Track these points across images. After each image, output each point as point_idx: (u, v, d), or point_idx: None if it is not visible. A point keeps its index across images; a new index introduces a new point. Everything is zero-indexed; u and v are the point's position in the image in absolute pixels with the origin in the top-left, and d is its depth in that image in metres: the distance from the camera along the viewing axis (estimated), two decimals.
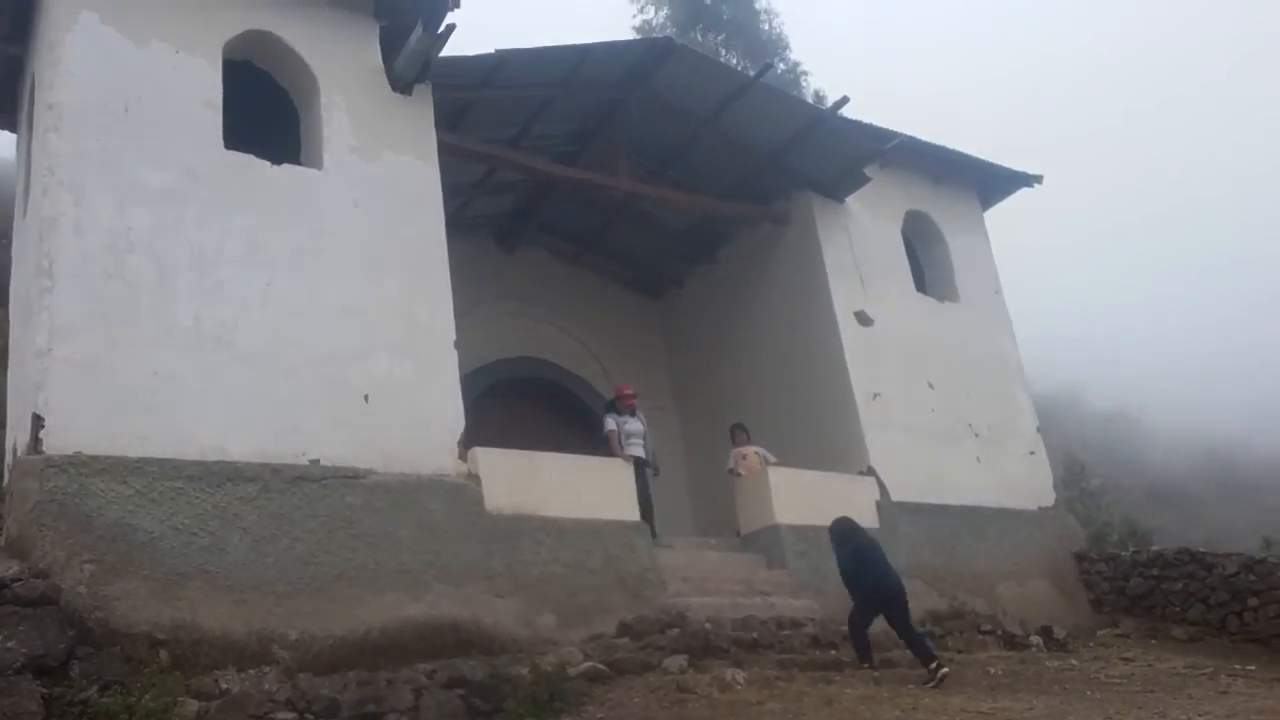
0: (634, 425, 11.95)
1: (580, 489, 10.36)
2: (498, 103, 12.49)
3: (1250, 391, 42.64)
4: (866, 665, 9.25)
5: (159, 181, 9.08)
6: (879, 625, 9.56)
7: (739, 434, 12.93)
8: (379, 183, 10.30)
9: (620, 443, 11.58)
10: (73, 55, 9.06)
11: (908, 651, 9.35)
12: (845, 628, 9.69)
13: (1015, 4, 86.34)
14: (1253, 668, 10.31)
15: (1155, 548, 14.15)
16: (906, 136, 14.05)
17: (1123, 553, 14.05)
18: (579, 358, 15.55)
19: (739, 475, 12.44)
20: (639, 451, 11.73)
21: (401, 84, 10.72)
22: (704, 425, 14.08)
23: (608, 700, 7.90)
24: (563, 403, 15.37)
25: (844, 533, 9.94)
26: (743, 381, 14.54)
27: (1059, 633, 11.79)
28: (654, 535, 11.21)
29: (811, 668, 8.90)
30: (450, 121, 11.72)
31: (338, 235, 9.88)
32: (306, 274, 9.56)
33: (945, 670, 8.79)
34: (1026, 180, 15.58)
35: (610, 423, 11.83)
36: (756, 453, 12.52)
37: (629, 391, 12.30)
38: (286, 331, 9.26)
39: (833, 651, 9.49)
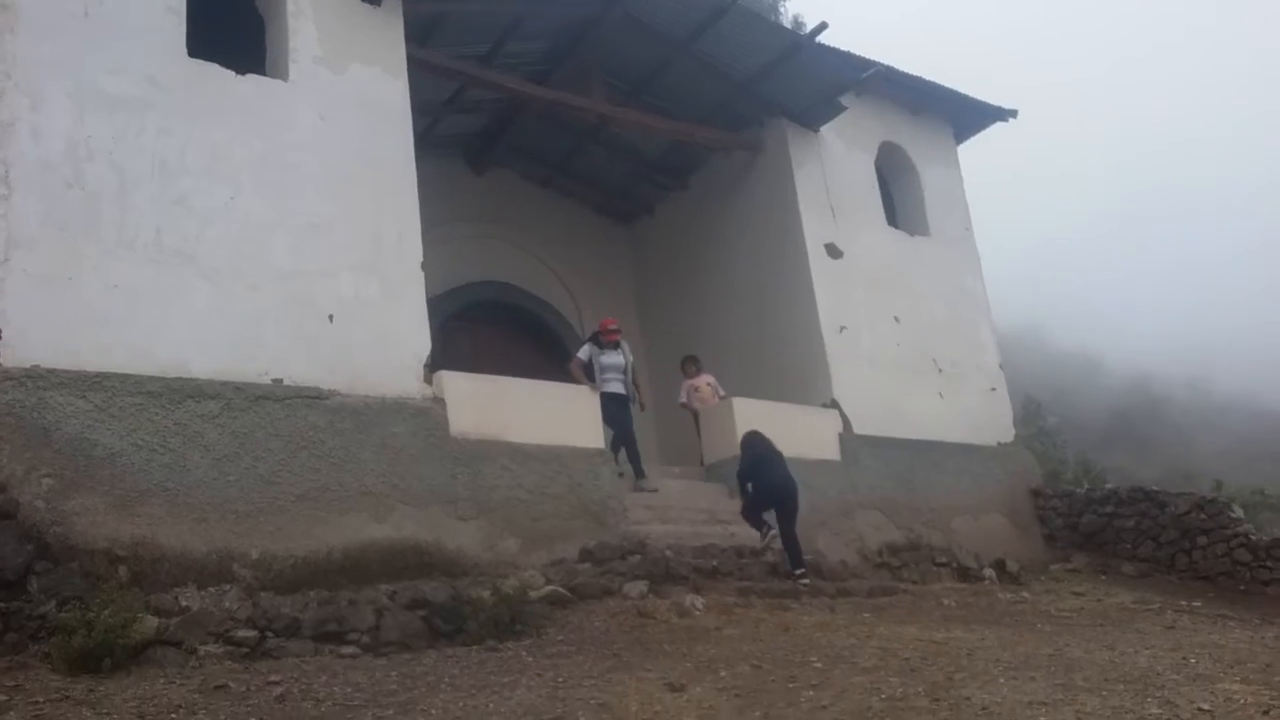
0: (613, 358, 11.66)
1: (545, 415, 10.35)
2: (469, 17, 12.21)
3: (1209, 335, 43.28)
4: (767, 529, 10.08)
5: (120, 88, 8.81)
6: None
7: (690, 365, 12.90)
8: (346, 96, 10.07)
9: (595, 376, 11.39)
10: None
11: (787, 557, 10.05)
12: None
13: None
14: (1199, 604, 10.61)
15: (1109, 485, 14.40)
16: (883, 65, 13.90)
17: (1077, 490, 14.32)
18: (547, 283, 15.48)
19: (692, 409, 12.43)
20: (617, 387, 11.51)
21: None
22: (671, 353, 14.07)
23: (568, 624, 8.00)
24: (530, 328, 15.33)
25: (749, 444, 10.53)
26: (710, 310, 14.53)
27: (1012, 566, 12.04)
28: (640, 475, 11.17)
29: (769, 595, 9.04)
30: (420, 36, 11.44)
31: (303, 149, 9.67)
32: (271, 188, 9.37)
33: (806, 582, 9.63)
34: (1001, 114, 15.50)
35: (582, 353, 11.69)
36: (709, 384, 12.54)
37: (613, 326, 11.93)
38: (250, 247, 9.10)
39: (791, 580, 9.62)
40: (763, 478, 10.25)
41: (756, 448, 10.47)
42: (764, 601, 8.83)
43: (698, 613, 8.29)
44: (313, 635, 7.32)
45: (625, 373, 11.69)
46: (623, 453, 11.39)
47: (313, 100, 9.87)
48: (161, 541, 7.81)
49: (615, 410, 11.31)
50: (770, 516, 10.16)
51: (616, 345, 11.78)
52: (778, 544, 10.04)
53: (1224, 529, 12.49)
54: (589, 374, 11.42)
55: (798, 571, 9.79)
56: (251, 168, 9.33)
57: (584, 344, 11.97)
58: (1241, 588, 11.93)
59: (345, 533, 8.64)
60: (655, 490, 11.18)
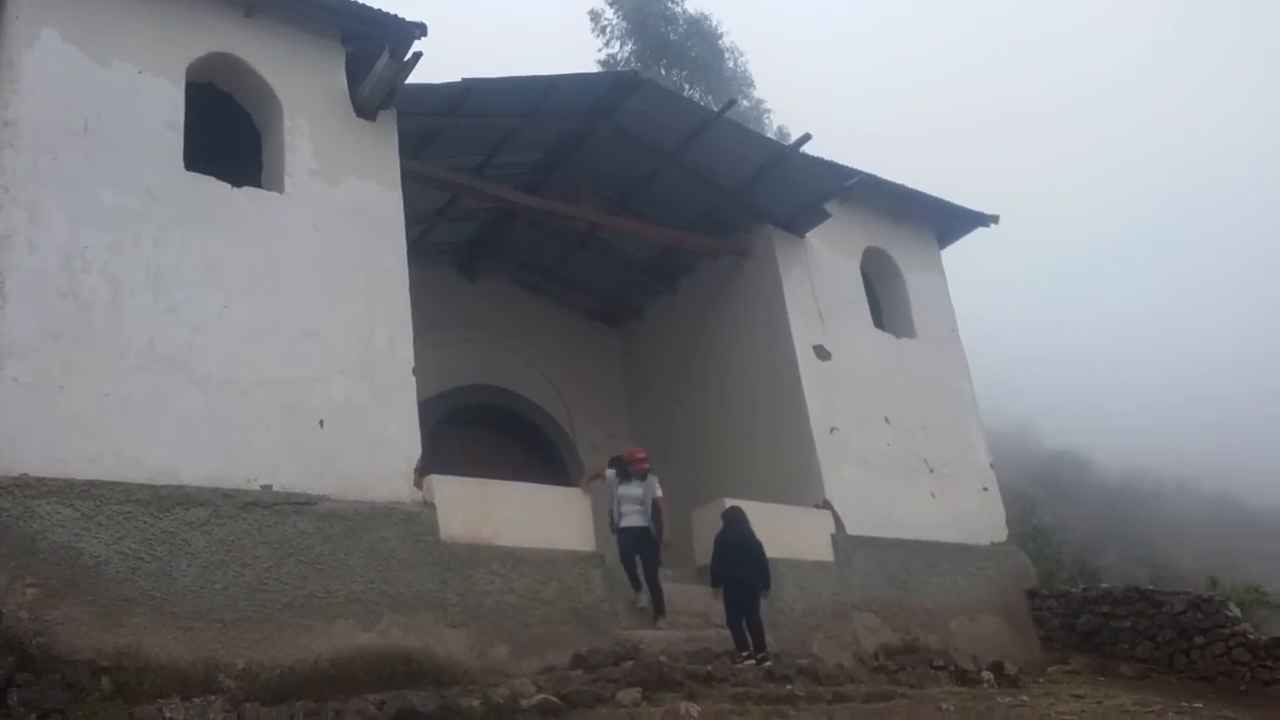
0: (632, 490, 11.14)
1: (536, 519, 10.31)
2: (463, 131, 12.53)
3: (1198, 433, 43.36)
4: (745, 654, 9.96)
5: (117, 201, 8.99)
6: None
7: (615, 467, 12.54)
8: (341, 207, 10.26)
9: (616, 508, 11.07)
10: (32, 72, 8.98)
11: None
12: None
13: (978, 45, 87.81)
14: (1199, 705, 10.44)
15: (1105, 585, 14.29)
16: (866, 174, 14.25)
17: (1073, 590, 14.18)
18: (538, 386, 15.54)
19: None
20: (636, 520, 10.97)
21: (366, 110, 10.72)
22: (662, 455, 14.04)
23: None
24: (521, 431, 15.34)
25: (717, 538, 10.65)
26: (700, 412, 14.58)
27: (1010, 669, 11.86)
28: (661, 614, 10.69)
29: (765, 701, 8.87)
30: (414, 148, 11.72)
31: (297, 258, 9.82)
32: (264, 297, 9.49)
33: (769, 664, 9.71)
34: (982, 220, 15.83)
35: (609, 475, 11.38)
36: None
37: (641, 455, 11.50)
38: (242, 354, 9.17)
39: (787, 685, 9.46)
40: (725, 579, 10.40)
41: (721, 541, 10.56)
42: (760, 708, 8.66)
43: None
44: None
45: (644, 504, 11.06)
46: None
47: (307, 211, 10.06)
48: (146, 651, 7.70)
49: (634, 543, 10.92)
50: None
51: (644, 475, 11.27)
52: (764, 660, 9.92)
53: (1221, 628, 12.36)
54: (613, 503, 11.11)
55: (759, 655, 9.91)
56: (245, 277, 9.46)
57: (610, 469, 11.52)
58: (1242, 688, 11.76)
59: (333, 641, 8.53)
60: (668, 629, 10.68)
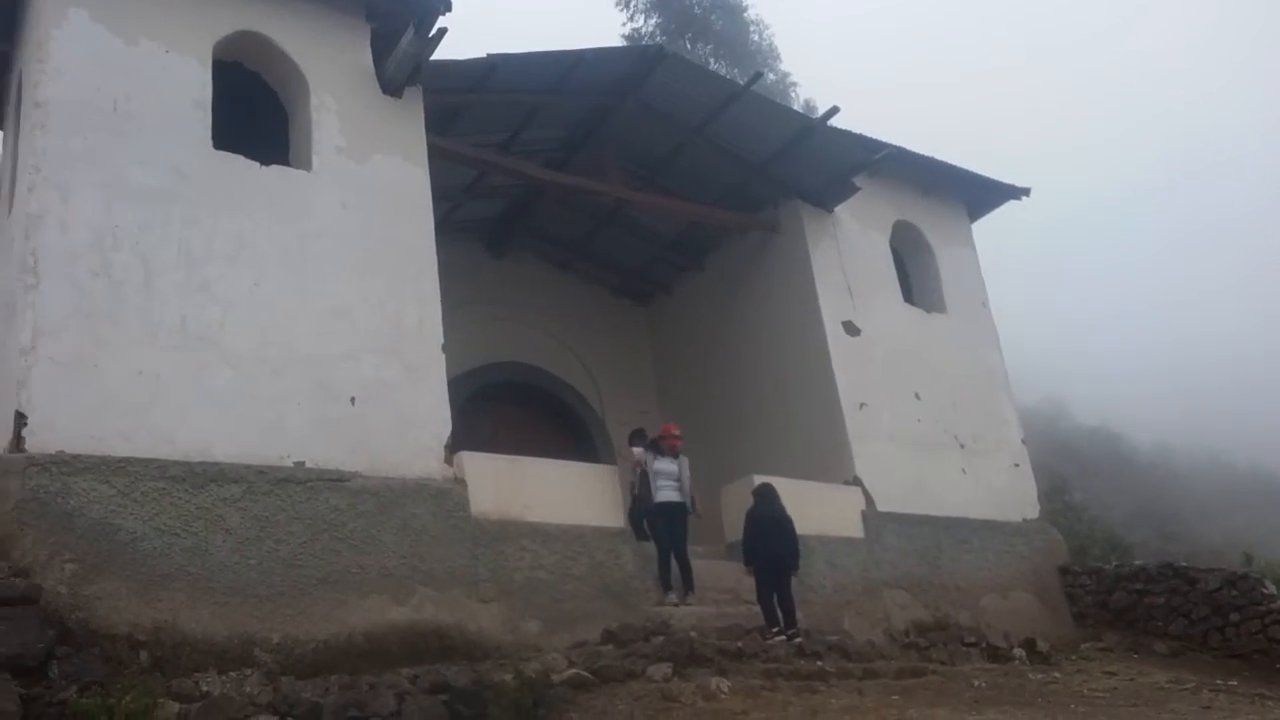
0: (666, 465, 11.17)
1: (566, 495, 10.35)
2: (488, 107, 12.48)
3: (1230, 409, 42.92)
4: (775, 630, 9.99)
5: (146, 180, 9.03)
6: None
7: (636, 437, 12.66)
8: (368, 185, 10.27)
9: (650, 483, 11.01)
10: (61, 52, 9.01)
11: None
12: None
13: (1008, 18, 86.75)
14: (1234, 683, 10.34)
15: (1138, 562, 14.19)
16: (895, 147, 14.09)
17: (1106, 566, 14.10)
18: (567, 363, 15.54)
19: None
20: (671, 495, 10.99)
21: (392, 87, 10.70)
22: (690, 432, 14.00)
23: (592, 708, 7.85)
24: (549, 408, 15.35)
25: (748, 514, 10.69)
26: (729, 389, 14.55)
27: (1042, 645, 11.78)
28: (690, 589, 10.67)
29: (796, 677, 8.85)
30: (440, 125, 11.70)
31: (326, 236, 9.84)
32: (294, 275, 9.52)
33: (799, 640, 9.72)
34: (1014, 192, 15.65)
35: (639, 453, 11.44)
36: None
37: (675, 432, 11.47)
38: (273, 332, 9.21)
39: (818, 662, 9.45)
40: (758, 555, 10.44)
41: (753, 518, 10.60)
42: (791, 684, 8.65)
43: (723, 695, 8.11)
44: None
45: (680, 480, 11.15)
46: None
47: (335, 189, 10.07)
48: (183, 626, 7.78)
49: (669, 520, 10.87)
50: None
51: (676, 452, 11.30)
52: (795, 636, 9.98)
53: (1257, 605, 12.25)
54: (643, 482, 11.07)
55: (789, 631, 9.96)
56: (275, 255, 9.49)
57: (639, 447, 11.55)
58: (1278, 666, 11.65)
59: (366, 616, 8.59)
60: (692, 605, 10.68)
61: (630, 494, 11.27)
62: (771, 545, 10.45)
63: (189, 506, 8.18)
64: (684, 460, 11.30)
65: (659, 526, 10.81)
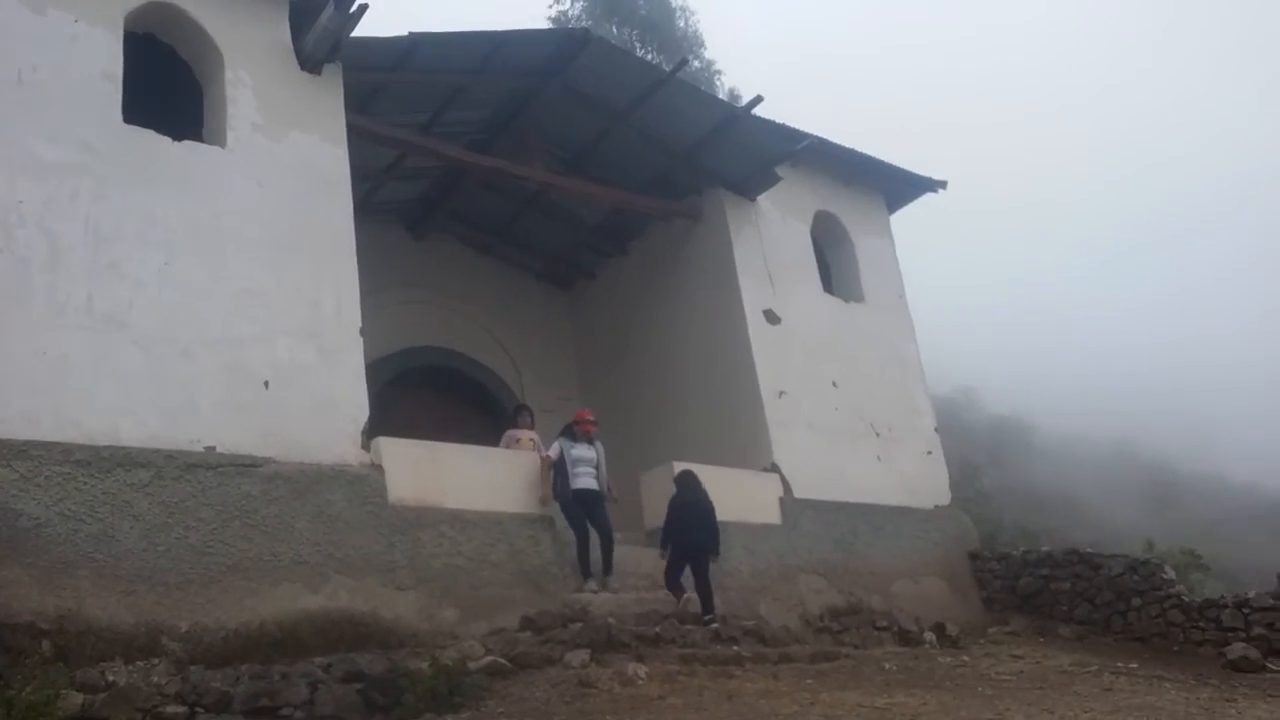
0: (583, 451, 10.96)
1: (485, 481, 10.27)
2: (410, 87, 12.30)
3: (1136, 397, 44.30)
4: (678, 594, 10.32)
5: (53, 154, 8.72)
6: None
7: (522, 415, 12.60)
8: (285, 163, 10.05)
9: (567, 471, 10.73)
10: None
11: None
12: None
13: (928, 5, 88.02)
14: (1135, 665, 10.70)
15: (1045, 548, 14.57)
16: (817, 138, 14.25)
17: (1014, 552, 14.44)
18: (487, 348, 15.44)
19: None
20: (589, 482, 10.80)
21: (311, 63, 10.49)
22: (611, 418, 14.04)
23: (509, 695, 7.84)
24: (470, 393, 15.24)
25: (671, 502, 10.74)
26: (650, 375, 14.59)
27: (952, 630, 12.07)
28: (608, 572, 10.50)
29: (713, 662, 8.94)
30: (361, 104, 11.49)
31: (240, 215, 9.62)
32: (206, 254, 9.29)
33: (715, 625, 9.87)
34: (931, 185, 15.90)
35: (553, 450, 10.91)
36: (531, 439, 12.13)
37: (590, 417, 11.29)
38: (184, 313, 8.98)
39: (734, 647, 9.55)
40: (677, 539, 10.50)
41: (676, 505, 10.65)
42: (707, 669, 8.73)
43: (641, 681, 8.17)
44: (244, 710, 7.10)
45: (598, 467, 11.00)
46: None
47: (251, 167, 9.84)
48: (88, 614, 7.57)
49: (589, 506, 10.71)
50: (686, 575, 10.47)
51: (590, 438, 11.15)
52: (693, 607, 10.20)
53: (1157, 590, 12.64)
54: (559, 471, 10.75)
55: (706, 617, 10.06)
56: (187, 234, 9.25)
57: (555, 440, 11.18)
58: (1175, 648, 12.07)
59: (279, 604, 8.45)
60: (614, 592, 10.51)
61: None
62: (693, 532, 10.52)
63: (95, 492, 7.95)
64: (599, 446, 11.23)
65: (575, 514, 10.75)
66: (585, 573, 10.55)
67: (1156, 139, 75.62)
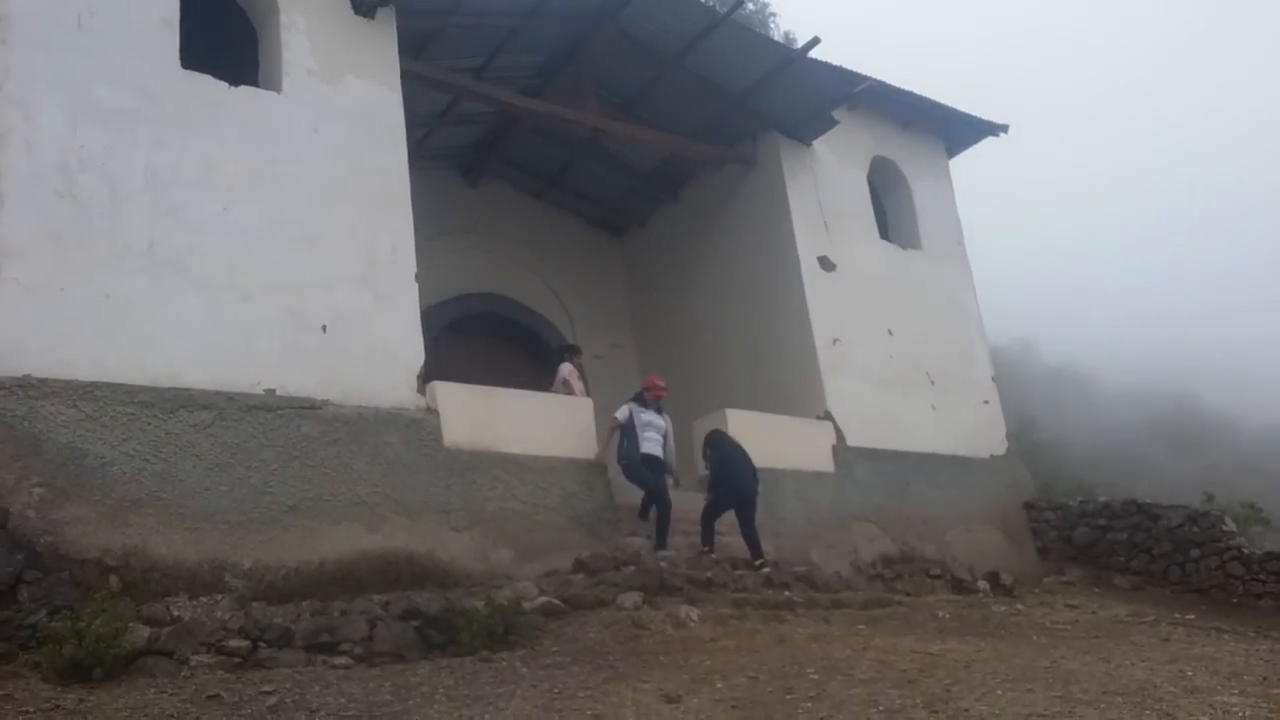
0: (652, 418, 10.83)
1: (539, 426, 10.34)
2: (463, 31, 12.25)
3: (1198, 352, 43.41)
4: (707, 548, 10.26)
5: (113, 100, 8.80)
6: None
7: (576, 355, 12.79)
8: (340, 108, 10.08)
9: (637, 435, 10.55)
10: None
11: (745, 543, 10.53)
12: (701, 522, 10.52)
13: None
14: (1192, 617, 10.60)
15: (1102, 499, 14.40)
16: (875, 80, 13.99)
17: (1070, 502, 14.31)
18: (540, 295, 15.47)
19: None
20: (655, 449, 10.68)
21: (364, 7, 10.47)
22: (663, 365, 14.02)
23: (563, 635, 7.95)
24: (523, 339, 15.30)
25: (715, 444, 10.87)
26: (703, 322, 14.54)
27: (1006, 579, 12.01)
28: (661, 546, 10.11)
29: (764, 606, 9.00)
30: (414, 49, 11.46)
31: (297, 161, 9.67)
32: (264, 200, 9.36)
33: (767, 569, 9.98)
34: (992, 129, 15.59)
35: (621, 413, 10.76)
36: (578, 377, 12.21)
37: (660, 384, 11.12)
38: (243, 258, 9.08)
39: (786, 592, 9.59)
40: (724, 484, 10.58)
41: (722, 461, 10.69)
42: (759, 613, 8.79)
43: (693, 624, 8.24)
44: (305, 646, 7.26)
45: (666, 436, 10.89)
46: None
47: (306, 112, 9.87)
48: (153, 551, 7.77)
49: (652, 473, 10.61)
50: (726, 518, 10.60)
51: (659, 406, 11.03)
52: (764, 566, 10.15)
53: (1216, 542, 12.49)
54: (627, 434, 10.60)
55: (757, 562, 10.15)
56: (244, 179, 9.32)
57: (624, 404, 10.98)
58: (1235, 600, 11.93)
59: (338, 543, 8.61)
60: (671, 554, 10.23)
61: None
62: (741, 480, 10.58)
63: (158, 432, 8.12)
64: (667, 418, 11.05)
65: (642, 475, 10.58)
66: (644, 513, 10.66)
67: (1229, 107, 73.39)
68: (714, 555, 10.21)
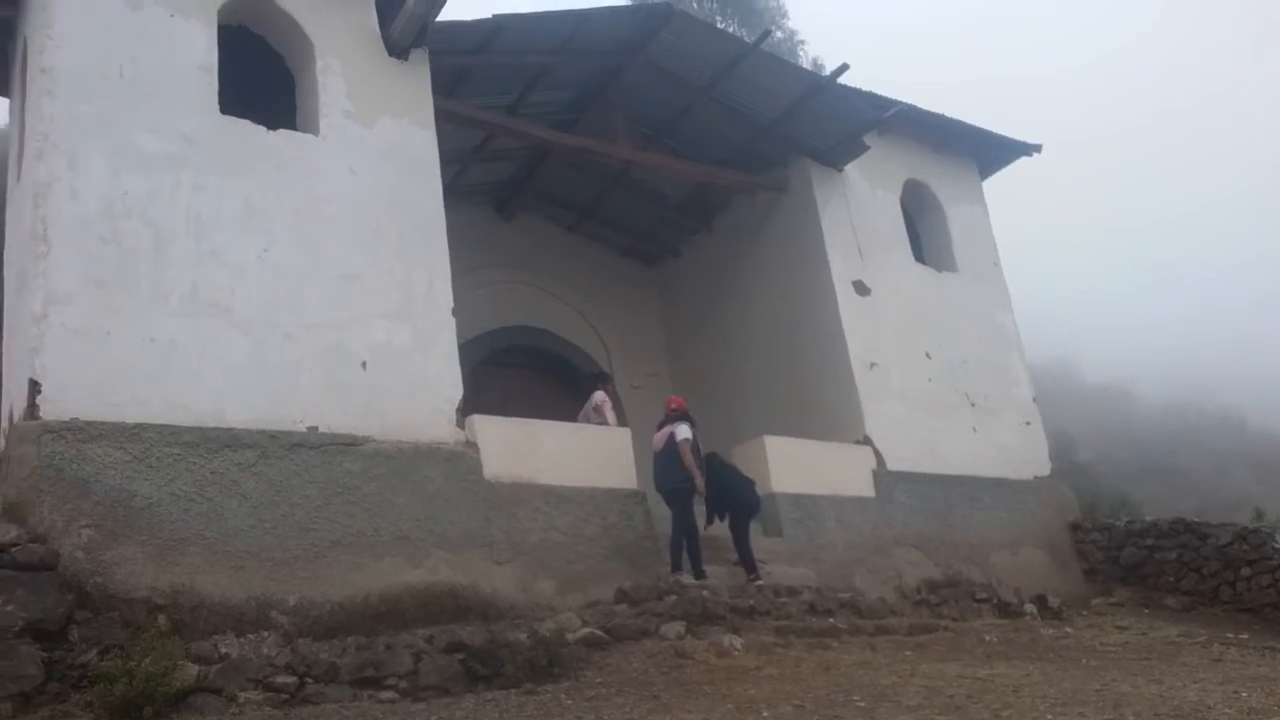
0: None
1: (577, 457, 10.38)
2: (495, 69, 12.40)
3: (1241, 365, 42.81)
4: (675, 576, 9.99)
5: (155, 146, 9.00)
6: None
7: (608, 383, 12.97)
8: (376, 148, 10.23)
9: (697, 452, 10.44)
10: (66, 18, 8.95)
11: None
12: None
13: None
14: (1245, 636, 10.40)
15: (1149, 518, 14.20)
16: (906, 105, 13.99)
17: (1117, 522, 14.12)
18: (576, 326, 15.54)
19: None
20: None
21: (398, 49, 10.64)
22: (700, 393, 14.07)
23: (606, 665, 7.94)
24: (559, 371, 15.36)
25: (712, 467, 10.77)
26: (738, 350, 14.54)
27: (1053, 601, 11.87)
28: (699, 575, 9.96)
29: (808, 634, 8.94)
30: (447, 87, 11.63)
31: (335, 201, 9.82)
32: (304, 240, 9.51)
33: (760, 582, 10.11)
34: (1025, 149, 15.53)
35: (688, 431, 10.56)
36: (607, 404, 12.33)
37: (669, 404, 11.07)
38: (284, 298, 9.22)
39: (830, 619, 9.53)
40: (725, 500, 10.71)
41: (714, 480, 10.67)
42: (803, 641, 8.74)
43: (736, 653, 8.21)
44: (351, 680, 7.31)
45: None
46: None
47: (343, 153, 10.04)
48: (200, 589, 7.86)
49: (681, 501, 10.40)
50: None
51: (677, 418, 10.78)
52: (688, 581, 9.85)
53: (1268, 559, 12.28)
54: (698, 455, 10.48)
55: (751, 576, 10.27)
56: (284, 220, 9.48)
57: (683, 425, 10.62)
58: None
59: (381, 578, 8.66)
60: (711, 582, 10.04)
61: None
62: (737, 491, 10.70)
63: (203, 472, 8.23)
64: (682, 425, 10.72)
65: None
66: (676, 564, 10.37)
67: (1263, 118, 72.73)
68: (683, 580, 9.80)
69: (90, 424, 7.92)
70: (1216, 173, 71.85)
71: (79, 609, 7.25)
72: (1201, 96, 78.03)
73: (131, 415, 8.13)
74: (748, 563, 10.39)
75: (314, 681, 7.21)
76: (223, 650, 7.42)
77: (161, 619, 7.52)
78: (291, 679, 7.16)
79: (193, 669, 6.97)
